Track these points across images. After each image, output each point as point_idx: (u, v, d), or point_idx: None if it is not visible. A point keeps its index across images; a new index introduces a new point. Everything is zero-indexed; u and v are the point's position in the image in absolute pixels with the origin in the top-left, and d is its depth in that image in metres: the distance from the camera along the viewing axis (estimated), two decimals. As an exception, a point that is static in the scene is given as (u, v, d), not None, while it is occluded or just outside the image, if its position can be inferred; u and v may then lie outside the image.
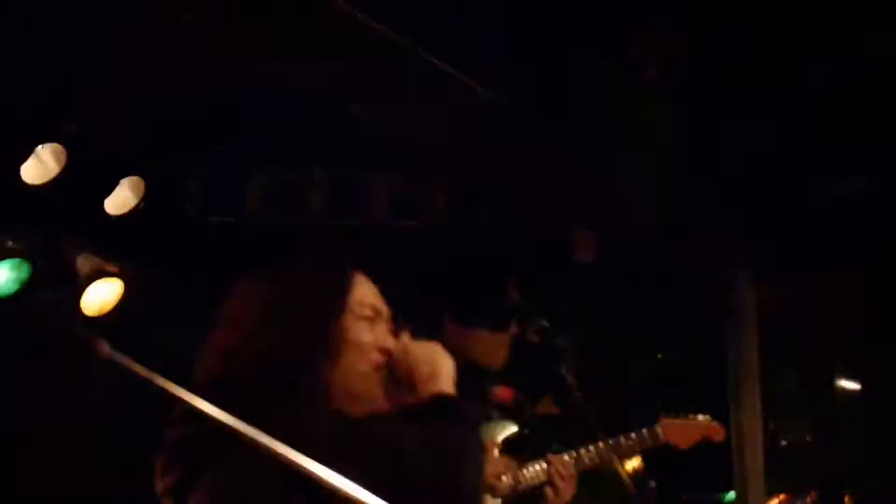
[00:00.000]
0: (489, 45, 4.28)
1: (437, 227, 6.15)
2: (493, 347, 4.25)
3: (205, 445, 2.44)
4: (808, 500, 6.51)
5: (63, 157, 5.57)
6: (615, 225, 5.42)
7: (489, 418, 4.39)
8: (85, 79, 5.26)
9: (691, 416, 5.00)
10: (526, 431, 4.46)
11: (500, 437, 4.38)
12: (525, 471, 4.33)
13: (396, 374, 2.70)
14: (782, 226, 6.24)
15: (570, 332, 4.28)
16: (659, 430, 4.79)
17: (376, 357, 2.71)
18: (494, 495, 4.21)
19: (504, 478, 4.25)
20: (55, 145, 5.54)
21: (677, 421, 4.87)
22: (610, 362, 6.57)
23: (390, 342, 2.74)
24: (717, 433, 5.02)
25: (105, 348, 2.17)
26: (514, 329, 4.28)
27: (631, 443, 4.65)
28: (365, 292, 2.76)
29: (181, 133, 5.80)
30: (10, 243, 5.55)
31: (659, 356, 7.56)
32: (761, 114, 5.41)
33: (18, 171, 5.51)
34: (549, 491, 4.31)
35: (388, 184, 6.11)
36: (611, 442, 4.51)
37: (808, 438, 8.39)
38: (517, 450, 4.38)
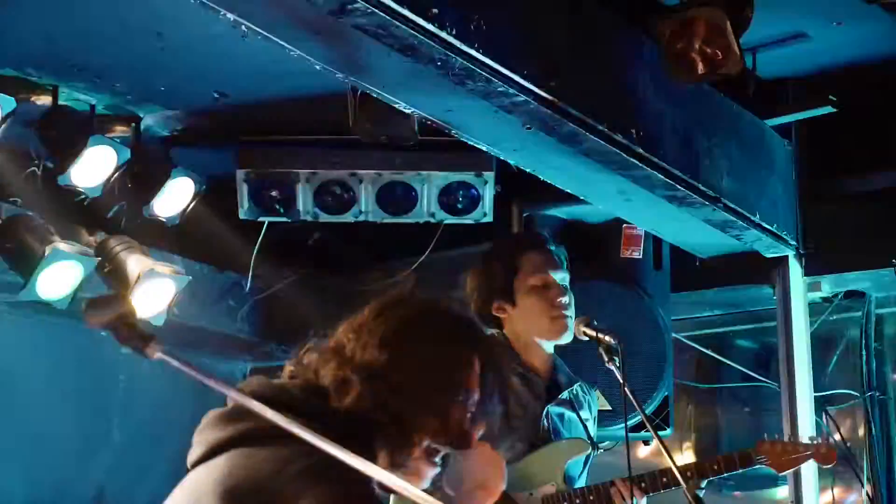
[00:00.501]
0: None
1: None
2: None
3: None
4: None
5: (114, 160, 5.63)
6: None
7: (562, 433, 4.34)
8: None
9: (791, 439, 4.72)
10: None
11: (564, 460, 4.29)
12: (588, 494, 4.22)
13: None
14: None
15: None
16: (754, 452, 4.47)
17: None
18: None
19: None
20: (106, 147, 5.59)
21: (778, 444, 4.53)
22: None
23: None
24: (827, 457, 4.64)
25: (157, 349, 2.19)
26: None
27: (715, 466, 4.37)
28: None
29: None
30: (64, 244, 5.60)
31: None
32: None
33: (70, 173, 5.57)
34: None
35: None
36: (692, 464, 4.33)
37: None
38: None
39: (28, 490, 6.05)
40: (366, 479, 2.20)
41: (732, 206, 5.19)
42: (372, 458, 2.38)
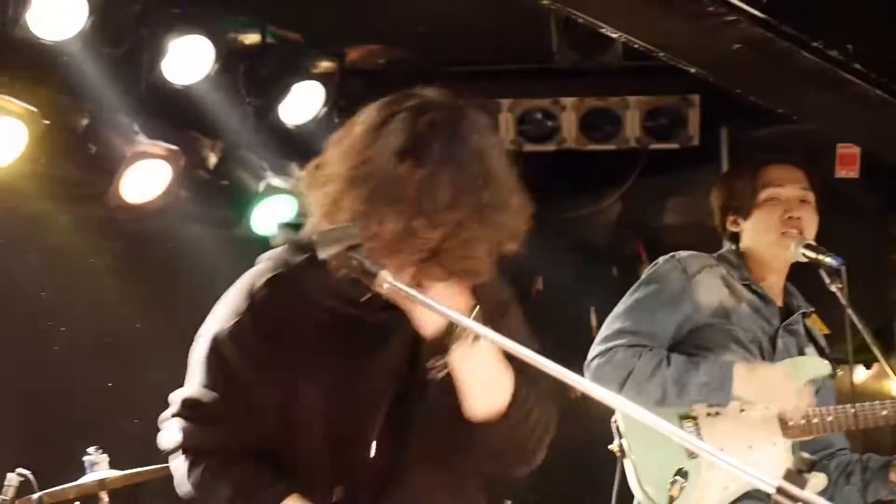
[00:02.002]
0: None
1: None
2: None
3: None
4: None
5: (321, 95, 5.73)
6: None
7: (802, 353, 4.26)
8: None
9: None
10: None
11: (809, 377, 4.15)
12: (827, 415, 4.06)
13: None
14: None
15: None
16: None
17: None
18: (785, 435, 4.09)
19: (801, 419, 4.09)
20: (313, 82, 5.69)
21: None
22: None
23: None
24: None
25: (385, 279, 2.24)
26: None
27: None
28: None
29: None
30: (277, 180, 5.73)
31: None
32: None
33: (279, 110, 5.69)
34: None
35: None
36: None
37: None
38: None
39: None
40: None
41: (954, 121, 4.98)
42: None
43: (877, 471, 4.15)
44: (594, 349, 4.07)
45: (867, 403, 4.05)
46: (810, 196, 4.25)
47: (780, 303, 4.27)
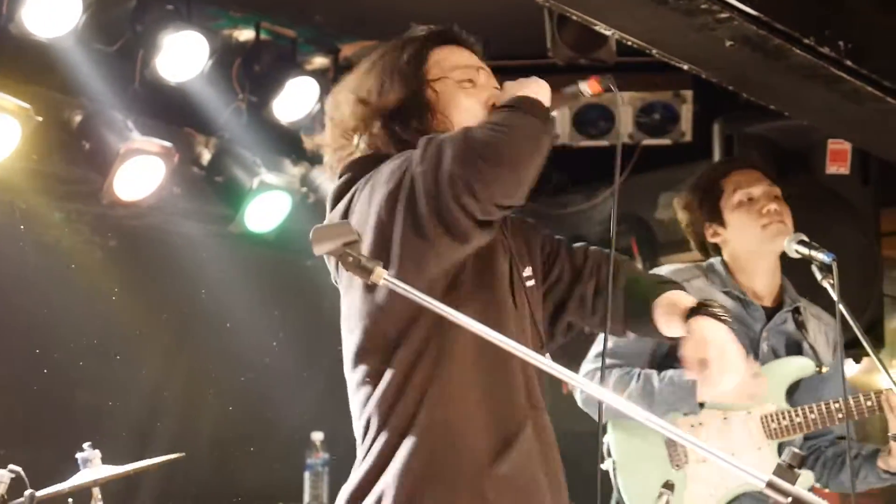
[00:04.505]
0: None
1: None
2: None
3: None
4: None
5: (315, 92, 5.74)
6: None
7: (794, 352, 4.28)
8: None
9: None
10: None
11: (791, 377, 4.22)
12: (809, 412, 4.12)
13: None
14: None
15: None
16: None
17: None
18: (768, 437, 4.11)
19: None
20: (307, 79, 5.70)
21: None
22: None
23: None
24: None
25: (381, 275, 2.25)
26: None
27: None
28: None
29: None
30: (271, 176, 5.74)
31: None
32: None
33: (272, 106, 5.70)
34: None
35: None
36: None
37: None
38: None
39: (239, 417, 6.22)
40: None
41: (947, 116, 4.99)
42: None
43: (866, 458, 4.19)
44: (583, 368, 4.19)
45: (851, 397, 4.09)
46: (778, 190, 4.32)
47: (770, 302, 4.29)
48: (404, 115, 2.81)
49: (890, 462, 4.11)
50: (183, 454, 4.51)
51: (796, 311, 4.31)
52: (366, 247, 2.51)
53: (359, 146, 2.82)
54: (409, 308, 2.53)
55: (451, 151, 2.49)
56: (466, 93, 2.86)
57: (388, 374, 2.60)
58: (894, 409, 4.04)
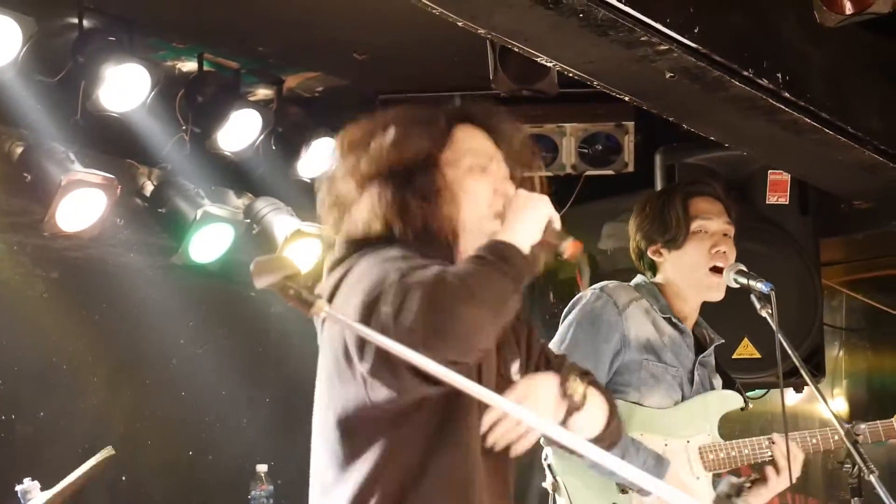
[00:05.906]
0: None
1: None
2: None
3: None
4: None
5: (259, 123, 5.74)
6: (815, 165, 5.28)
7: (712, 386, 4.29)
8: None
9: None
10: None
11: (721, 411, 4.25)
12: (743, 447, 4.18)
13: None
14: None
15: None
16: None
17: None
18: (706, 468, 4.13)
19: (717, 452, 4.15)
20: (250, 110, 5.69)
21: None
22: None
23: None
24: None
25: (322, 307, 2.25)
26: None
27: (867, 431, 4.23)
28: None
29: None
30: (214, 208, 5.73)
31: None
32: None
33: (216, 137, 5.69)
34: (769, 471, 4.09)
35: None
36: (847, 427, 4.03)
37: None
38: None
39: (183, 448, 6.19)
40: None
41: (883, 147, 5.06)
42: None
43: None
44: None
45: (796, 434, 4.14)
46: (732, 230, 4.30)
47: (690, 327, 4.31)
48: (415, 187, 2.86)
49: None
50: (114, 453, 4.52)
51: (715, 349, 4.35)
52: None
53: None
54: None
55: (417, 304, 2.50)
56: (475, 178, 2.92)
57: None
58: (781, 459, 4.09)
